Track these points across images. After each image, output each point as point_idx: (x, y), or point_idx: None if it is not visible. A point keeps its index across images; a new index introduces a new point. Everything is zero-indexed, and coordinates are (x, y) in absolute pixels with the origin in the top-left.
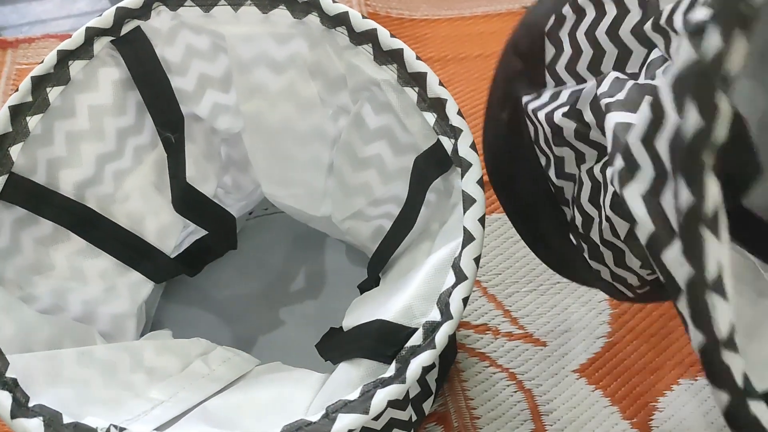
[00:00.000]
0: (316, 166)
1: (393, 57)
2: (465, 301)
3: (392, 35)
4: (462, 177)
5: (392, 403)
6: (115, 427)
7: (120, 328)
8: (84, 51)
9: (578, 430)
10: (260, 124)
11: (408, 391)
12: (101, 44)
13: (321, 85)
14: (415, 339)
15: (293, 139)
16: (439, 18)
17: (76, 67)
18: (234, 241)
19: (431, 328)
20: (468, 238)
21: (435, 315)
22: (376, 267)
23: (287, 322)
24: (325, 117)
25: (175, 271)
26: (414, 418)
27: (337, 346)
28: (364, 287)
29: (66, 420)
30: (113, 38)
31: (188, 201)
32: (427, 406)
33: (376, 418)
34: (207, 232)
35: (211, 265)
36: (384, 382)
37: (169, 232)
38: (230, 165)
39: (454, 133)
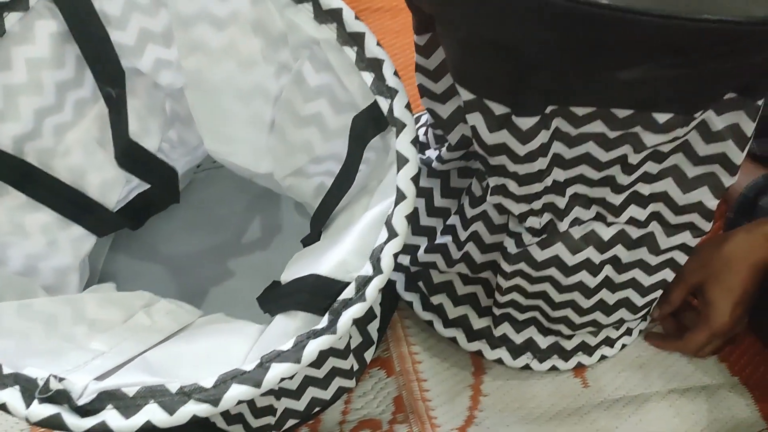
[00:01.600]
0: (258, 123)
1: (332, 16)
2: (396, 256)
3: None
4: (396, 137)
5: (333, 353)
6: (55, 377)
7: (63, 281)
8: (19, 3)
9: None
10: (202, 80)
11: (349, 342)
12: None
13: (262, 43)
14: (348, 292)
15: (235, 96)
16: None
17: (11, 18)
18: (177, 194)
19: (363, 282)
20: (400, 196)
21: (367, 269)
22: (318, 222)
23: (236, 273)
24: (266, 74)
25: (117, 224)
26: (356, 367)
27: (275, 298)
28: (307, 242)
29: (5, 371)
30: None
31: (131, 156)
32: (369, 354)
33: (318, 367)
34: (149, 186)
35: (159, 219)
36: (316, 333)
37: (111, 186)
38: (175, 120)
39: (390, 93)
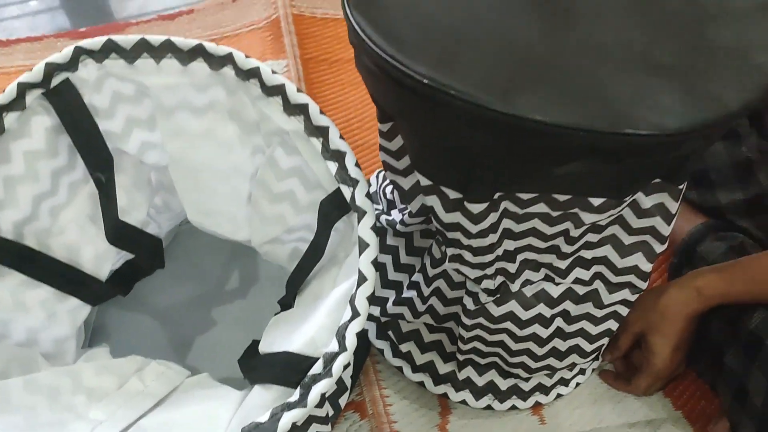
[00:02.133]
0: (236, 198)
1: (300, 110)
2: (358, 335)
3: (299, 90)
4: (358, 223)
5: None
6: None
7: (61, 349)
8: (17, 104)
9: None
10: (184, 161)
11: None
12: (33, 96)
13: (238, 128)
14: (316, 368)
15: (214, 175)
16: None
17: (10, 118)
18: (161, 260)
19: (330, 359)
20: (362, 278)
21: (333, 346)
22: (293, 287)
23: (218, 322)
24: (242, 156)
25: (109, 294)
26: (331, 413)
27: (253, 367)
28: (283, 302)
29: None
30: (44, 90)
31: (120, 234)
32: (344, 400)
33: None
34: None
35: None
36: (290, 406)
37: (104, 258)
38: (160, 188)
39: (353, 183)
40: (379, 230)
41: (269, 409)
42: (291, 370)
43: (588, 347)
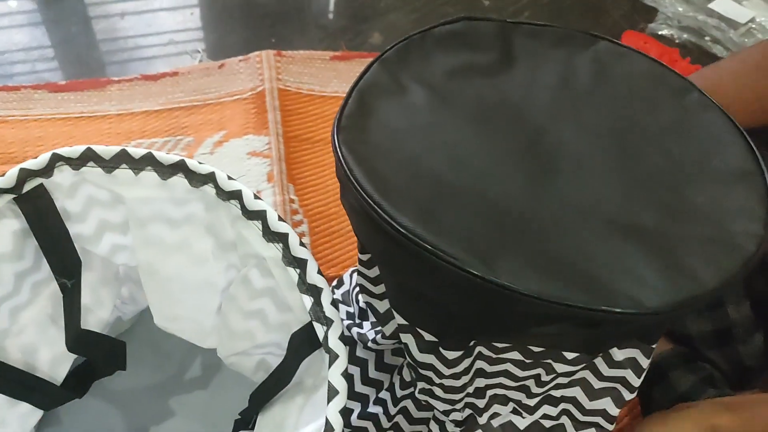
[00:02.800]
0: (206, 309)
1: (279, 238)
2: None
3: (280, 218)
4: (329, 366)
5: None
6: None
7: None
8: None
9: None
10: (154, 269)
11: None
12: (3, 201)
13: (213, 243)
14: None
15: (185, 286)
16: None
17: None
18: (123, 363)
19: None
20: (329, 428)
21: None
22: (256, 404)
23: (176, 413)
24: (216, 270)
25: (64, 398)
26: None
27: None
28: (244, 415)
29: None
30: (15, 196)
31: (83, 343)
32: None
33: None
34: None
35: None
36: None
37: (62, 360)
38: (128, 280)
39: (327, 322)
40: (347, 341)
41: None
42: None
43: None
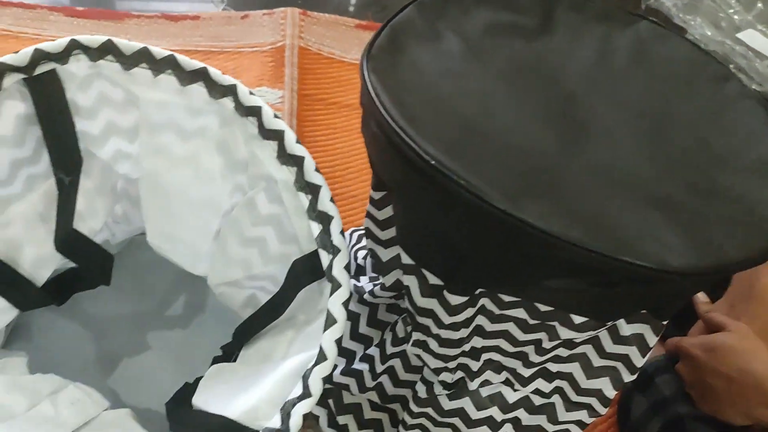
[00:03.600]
0: (203, 231)
1: (295, 161)
2: (305, 416)
3: (298, 140)
4: (330, 295)
5: None
6: None
7: None
8: None
9: None
10: (157, 180)
11: None
12: (12, 79)
13: (223, 162)
14: None
15: (186, 203)
16: None
17: None
18: (108, 277)
19: None
20: (322, 356)
21: (276, 421)
22: (241, 338)
23: (152, 347)
24: (221, 191)
25: (42, 301)
26: None
27: (183, 421)
28: (226, 350)
29: None
30: (25, 76)
31: (71, 244)
32: None
33: None
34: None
35: None
36: None
37: (45, 262)
38: (124, 197)
39: (334, 251)
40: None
41: None
42: None
43: None
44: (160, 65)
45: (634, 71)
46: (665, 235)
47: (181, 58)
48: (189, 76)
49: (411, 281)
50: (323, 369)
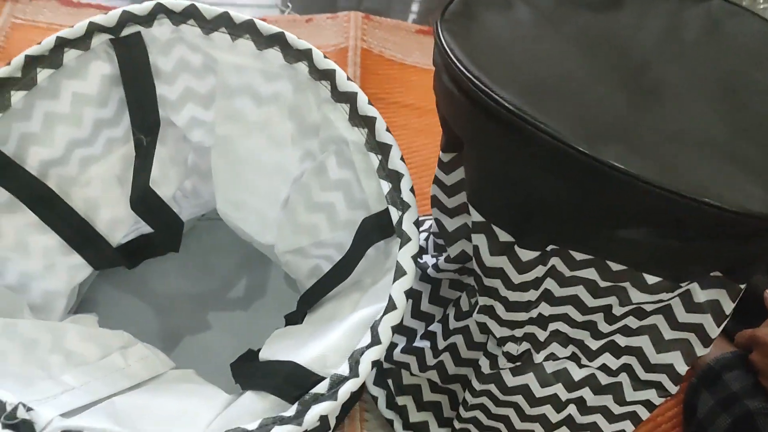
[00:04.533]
0: (273, 198)
1: (366, 122)
2: (374, 363)
3: (370, 102)
4: (400, 248)
5: None
6: (24, 405)
7: (50, 304)
8: (82, 42)
9: None
10: (230, 146)
11: None
12: (100, 39)
13: (295, 128)
14: (321, 387)
15: (257, 169)
16: (428, 69)
17: (71, 54)
18: (177, 243)
19: (337, 381)
20: (391, 306)
21: (344, 369)
22: (306, 304)
23: (213, 327)
24: (292, 157)
25: (115, 261)
26: None
27: (249, 373)
28: (290, 319)
29: None
30: (113, 37)
31: (146, 203)
32: None
33: None
34: (153, 231)
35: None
36: (282, 420)
37: (120, 224)
38: (194, 172)
39: (403, 207)
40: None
41: (258, 419)
42: (293, 383)
43: None
44: (239, 30)
45: (706, 44)
46: (744, 184)
47: (260, 23)
48: (266, 41)
49: (480, 240)
50: (393, 317)
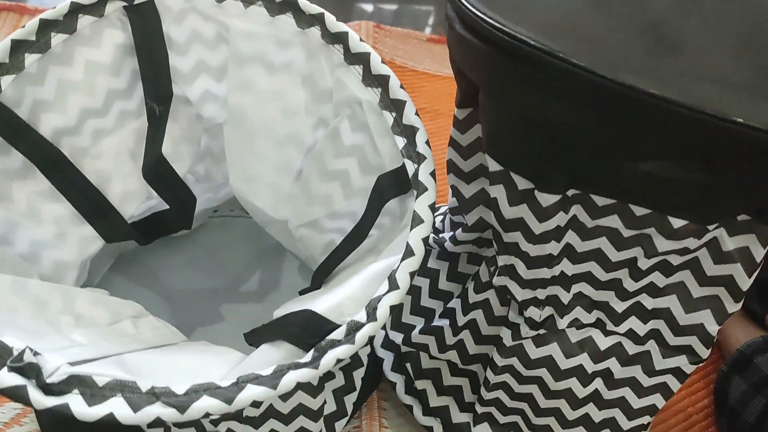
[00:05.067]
0: (286, 170)
1: (379, 81)
2: (392, 308)
3: (383, 61)
4: (416, 199)
5: (305, 412)
6: (31, 350)
7: (60, 275)
8: (96, 8)
9: None
10: (243, 118)
11: (323, 406)
12: (114, 7)
13: (308, 95)
14: (337, 334)
15: (270, 140)
16: (439, 75)
17: (84, 21)
18: (190, 220)
19: (355, 327)
20: (409, 252)
21: (361, 316)
22: (320, 276)
23: (226, 319)
24: (305, 126)
25: (127, 234)
26: None
27: (262, 330)
28: (305, 293)
29: None
30: (126, 4)
31: (158, 171)
32: (340, 425)
33: (286, 424)
34: (166, 208)
35: (165, 250)
36: (298, 366)
37: (132, 198)
38: (207, 155)
39: (419, 159)
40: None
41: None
42: (309, 331)
43: (625, 424)
44: None
45: (721, 2)
46: None
47: None
48: (278, 7)
49: (498, 191)
50: (411, 263)
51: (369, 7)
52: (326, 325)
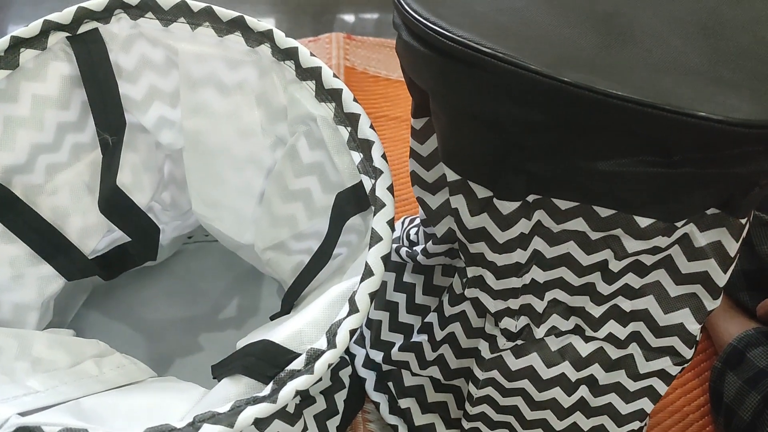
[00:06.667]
0: (247, 193)
1: (332, 96)
2: (352, 333)
3: (335, 75)
4: (374, 215)
5: None
6: None
7: (20, 318)
8: (38, 41)
9: None
10: (199, 143)
11: None
12: (57, 38)
13: (263, 114)
14: (297, 363)
15: (229, 163)
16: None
17: (27, 55)
18: (154, 252)
19: (314, 356)
20: (368, 273)
21: (321, 343)
22: (290, 299)
23: (205, 348)
24: (262, 146)
25: (89, 271)
26: None
27: (224, 363)
28: (276, 318)
29: None
30: (69, 35)
31: (114, 204)
32: None
33: None
34: (129, 240)
35: (141, 281)
36: (256, 400)
37: (92, 232)
38: (171, 182)
39: (375, 174)
40: (397, 265)
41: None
42: (267, 362)
43: (615, 431)
44: (198, 18)
45: None
46: (726, 99)
47: (218, 9)
48: (226, 26)
49: (459, 201)
50: (370, 284)
51: (350, 18)
52: (285, 354)
